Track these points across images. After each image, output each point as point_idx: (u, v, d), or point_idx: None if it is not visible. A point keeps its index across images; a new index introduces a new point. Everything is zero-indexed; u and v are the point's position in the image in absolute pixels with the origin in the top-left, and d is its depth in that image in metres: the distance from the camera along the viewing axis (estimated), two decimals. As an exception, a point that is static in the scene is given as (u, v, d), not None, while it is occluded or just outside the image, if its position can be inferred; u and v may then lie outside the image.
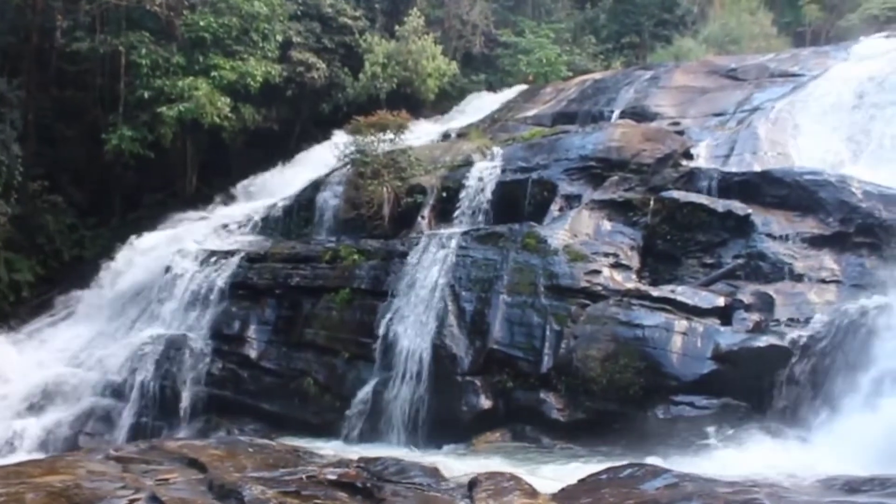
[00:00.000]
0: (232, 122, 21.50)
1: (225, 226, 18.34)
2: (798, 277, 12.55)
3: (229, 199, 20.56)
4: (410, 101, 22.92)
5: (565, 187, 15.46)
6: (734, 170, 15.01)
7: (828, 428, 10.26)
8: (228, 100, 21.05)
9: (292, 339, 15.07)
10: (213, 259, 16.67)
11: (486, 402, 12.76)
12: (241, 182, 20.97)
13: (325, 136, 20.87)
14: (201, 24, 21.10)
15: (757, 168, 15.02)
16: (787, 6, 30.62)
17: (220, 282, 16.05)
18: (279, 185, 19.86)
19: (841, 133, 15.93)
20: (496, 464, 10.15)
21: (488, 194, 16.01)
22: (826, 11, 29.28)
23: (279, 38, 22.68)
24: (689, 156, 15.94)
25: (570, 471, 9.10)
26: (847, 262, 12.64)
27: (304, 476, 7.48)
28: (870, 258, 12.53)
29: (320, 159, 19.68)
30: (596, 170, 15.55)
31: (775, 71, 19.44)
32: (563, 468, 9.91)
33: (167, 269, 16.79)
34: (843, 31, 26.74)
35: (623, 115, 18.79)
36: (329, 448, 11.57)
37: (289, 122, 24.12)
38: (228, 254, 16.69)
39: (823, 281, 12.44)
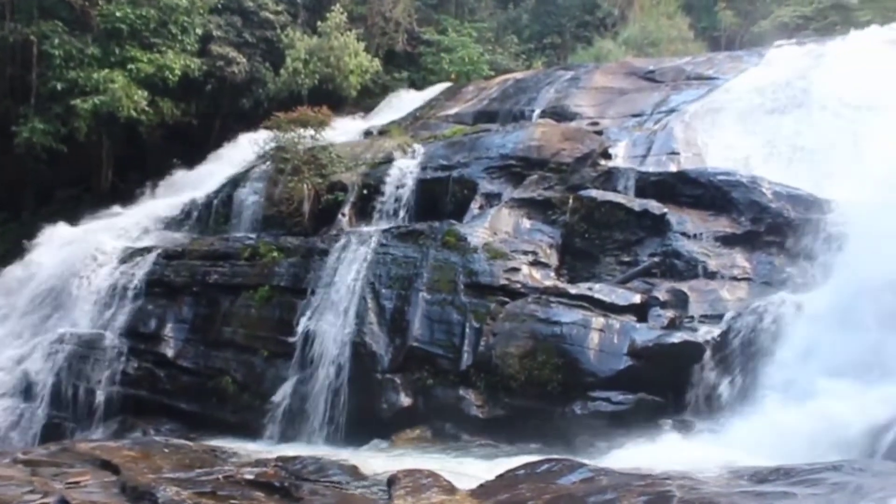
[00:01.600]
0: (149, 116, 21.04)
1: (141, 222, 17.96)
2: (711, 275, 12.88)
3: (146, 194, 20.12)
4: (332, 97, 22.75)
5: (486, 186, 15.56)
6: (651, 170, 15.30)
7: (738, 421, 10.53)
8: (146, 93, 20.56)
9: (210, 337, 14.86)
10: (129, 256, 16.32)
11: (406, 400, 12.80)
12: (158, 177, 20.54)
13: (246, 131, 20.58)
14: (118, 14, 20.57)
15: (673, 168, 15.35)
16: (703, 11, 31.30)
17: (137, 279, 15.71)
18: (198, 180, 19.48)
19: (752, 135, 16.33)
20: (415, 461, 10.16)
21: (409, 192, 16.03)
22: (740, 17, 30.04)
23: (199, 31, 22.27)
24: (607, 155, 16.17)
25: (488, 467, 9.16)
26: (757, 260, 13.03)
27: (220, 476, 7.43)
28: (779, 256, 12.93)
29: (240, 155, 19.39)
30: (516, 168, 15.68)
31: (691, 74, 19.81)
32: (482, 464, 9.98)
33: (81, 266, 16.35)
34: (756, 36, 27.49)
35: (544, 114, 18.93)
36: (248, 447, 11.49)
37: (208, 116, 23.73)
38: (145, 250, 16.37)
39: (735, 278, 12.80)
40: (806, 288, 11.66)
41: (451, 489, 7.33)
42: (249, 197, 17.29)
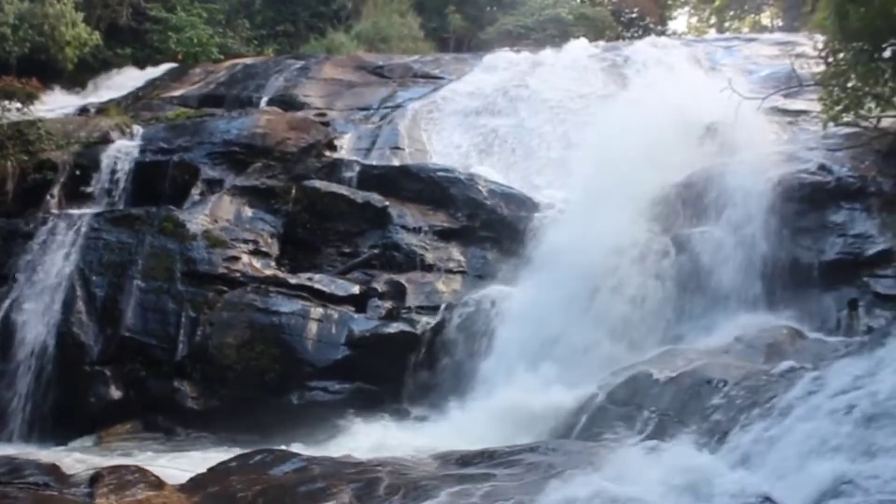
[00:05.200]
0: None
1: None
2: (428, 267, 13.36)
3: None
4: (46, 69, 21.17)
5: (208, 171, 15.10)
6: (375, 163, 15.61)
7: (451, 408, 11.02)
8: None
9: None
10: None
11: (116, 393, 12.25)
12: None
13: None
14: None
15: (396, 162, 15.78)
16: (435, 13, 32.18)
17: None
18: None
19: (472, 134, 17.19)
20: (125, 457, 9.86)
21: (126, 175, 15.24)
22: (469, 22, 31.24)
23: None
24: (333, 147, 16.30)
25: (202, 460, 9.00)
26: (472, 254, 13.69)
27: None
28: (491, 251, 13.66)
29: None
30: (240, 155, 15.34)
31: (419, 72, 20.46)
32: (196, 457, 9.81)
33: None
34: (482, 41, 28.79)
35: (271, 102, 18.76)
36: (-67, 451, 10.52)
37: None
38: None
39: (451, 271, 13.37)
40: (513, 282, 12.41)
41: (158, 484, 7.12)
42: (-57, 173, 15.76)
